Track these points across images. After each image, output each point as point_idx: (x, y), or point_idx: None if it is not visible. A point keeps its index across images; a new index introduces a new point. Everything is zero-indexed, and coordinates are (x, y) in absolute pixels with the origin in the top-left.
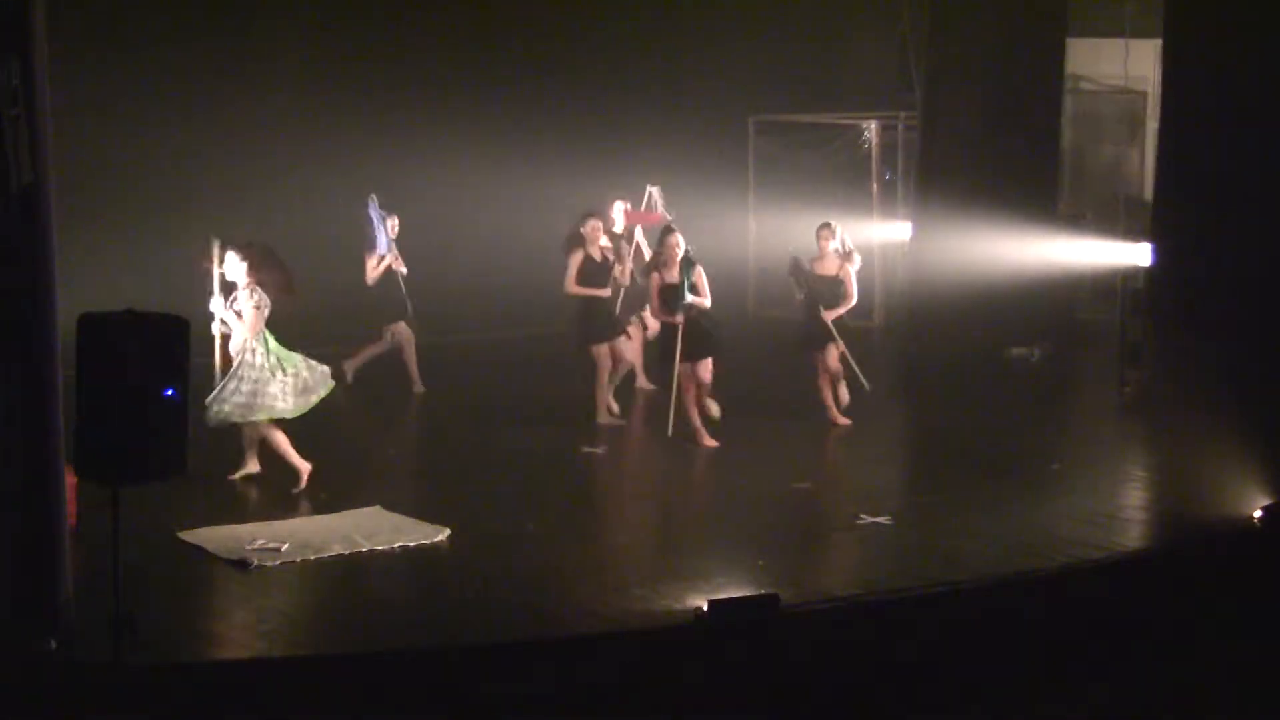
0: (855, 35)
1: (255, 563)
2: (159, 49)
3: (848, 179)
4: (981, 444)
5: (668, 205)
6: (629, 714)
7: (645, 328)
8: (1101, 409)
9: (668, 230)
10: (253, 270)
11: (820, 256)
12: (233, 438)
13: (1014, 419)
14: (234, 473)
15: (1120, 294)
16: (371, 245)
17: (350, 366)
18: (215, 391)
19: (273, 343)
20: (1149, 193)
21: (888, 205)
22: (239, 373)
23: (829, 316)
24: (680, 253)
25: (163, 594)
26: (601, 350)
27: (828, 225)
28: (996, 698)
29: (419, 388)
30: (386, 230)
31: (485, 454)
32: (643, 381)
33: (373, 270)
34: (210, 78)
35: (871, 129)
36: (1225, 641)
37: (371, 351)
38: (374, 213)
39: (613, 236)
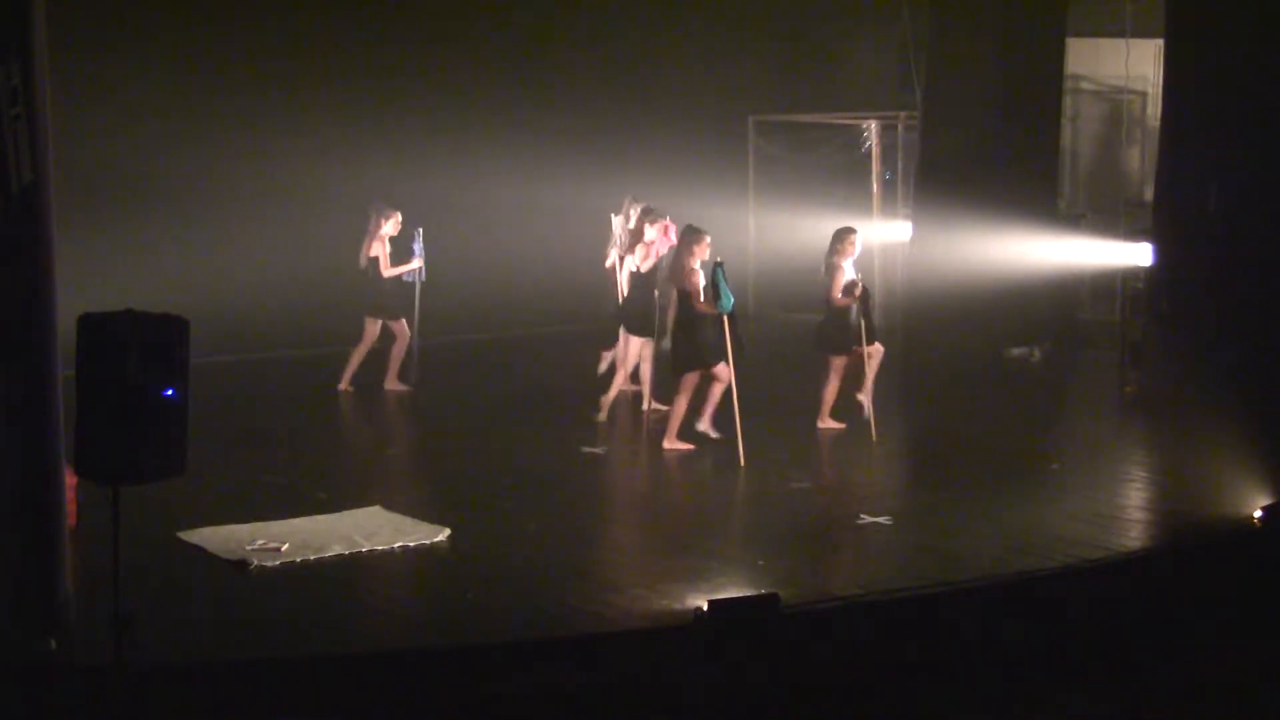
0: (855, 35)
1: (255, 563)
2: (160, 48)
3: (848, 179)
4: (981, 444)
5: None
6: (629, 714)
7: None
8: (1101, 409)
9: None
10: None
11: (848, 256)
12: (233, 438)
13: (1014, 419)
14: None
15: (1120, 294)
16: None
17: (346, 380)
18: None
19: None
20: (1149, 193)
21: (888, 205)
22: None
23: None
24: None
25: (163, 594)
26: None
27: (854, 229)
28: (997, 698)
29: (393, 384)
30: (422, 260)
31: (485, 454)
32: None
33: (393, 268)
34: (212, 77)
35: (871, 129)
36: (1225, 641)
37: (358, 355)
38: (417, 246)
39: (629, 234)
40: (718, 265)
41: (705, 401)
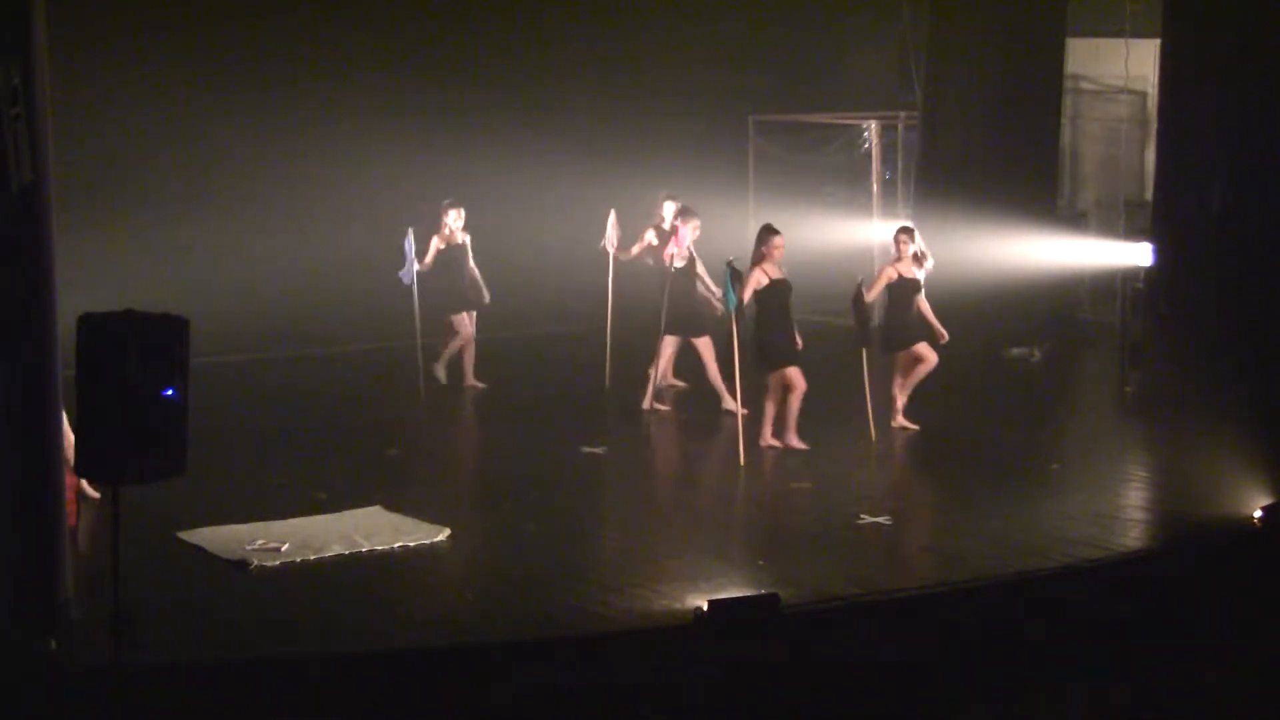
0: (855, 35)
1: (255, 563)
2: (160, 48)
3: (848, 179)
4: (981, 444)
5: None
6: (629, 714)
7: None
8: (1101, 409)
9: (774, 230)
10: None
11: (899, 259)
12: (233, 438)
13: (1014, 419)
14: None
15: (1120, 294)
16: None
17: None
18: None
19: None
20: (1149, 193)
21: (888, 205)
22: None
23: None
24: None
25: (163, 594)
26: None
27: (909, 229)
28: (997, 698)
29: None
30: (412, 263)
31: (485, 454)
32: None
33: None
34: (212, 77)
35: (871, 129)
36: (1225, 641)
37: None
38: (408, 246)
39: (661, 233)
40: (729, 264)
41: (782, 412)
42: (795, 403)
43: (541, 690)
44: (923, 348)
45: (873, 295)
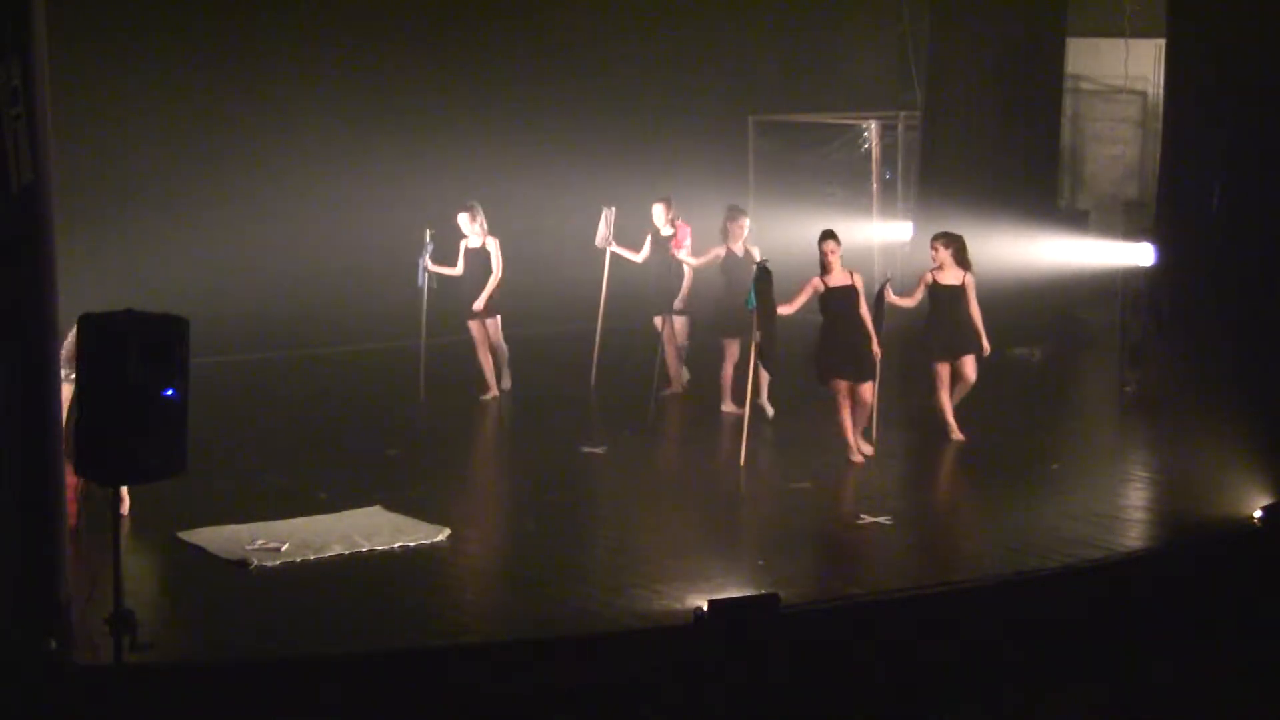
0: (855, 35)
1: (255, 563)
2: (160, 47)
3: (848, 179)
4: (981, 444)
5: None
6: (629, 714)
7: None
8: (1101, 409)
9: (831, 233)
10: None
11: (939, 266)
12: (233, 438)
13: (1014, 419)
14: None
15: (1120, 294)
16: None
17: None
18: None
19: None
20: (1149, 193)
21: (888, 205)
22: None
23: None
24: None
25: (163, 594)
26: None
27: (945, 235)
28: (997, 697)
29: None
30: (425, 267)
31: (485, 454)
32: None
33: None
34: (212, 76)
35: (871, 129)
36: (1225, 641)
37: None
38: (426, 251)
39: (658, 238)
40: (759, 264)
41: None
42: (847, 414)
43: (541, 690)
44: (966, 364)
45: (910, 302)
